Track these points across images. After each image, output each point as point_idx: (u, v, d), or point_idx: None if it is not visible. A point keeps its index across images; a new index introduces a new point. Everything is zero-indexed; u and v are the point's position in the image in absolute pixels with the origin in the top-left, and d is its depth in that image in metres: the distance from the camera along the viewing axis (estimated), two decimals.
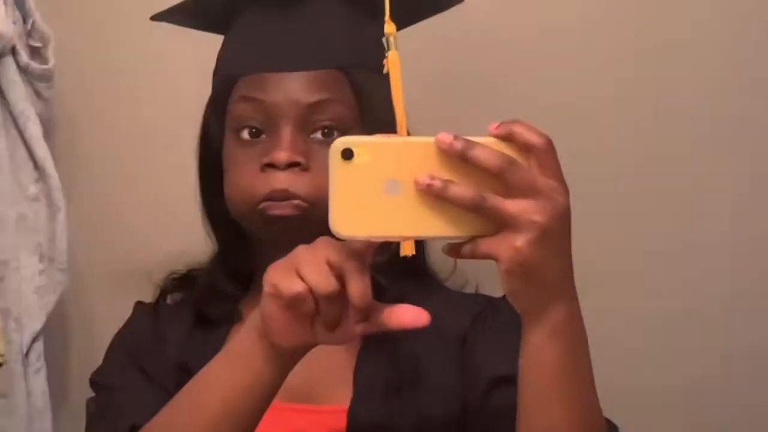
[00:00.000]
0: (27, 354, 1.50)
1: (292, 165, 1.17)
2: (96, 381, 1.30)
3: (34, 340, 1.50)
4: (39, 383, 1.51)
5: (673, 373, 1.75)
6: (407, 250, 0.92)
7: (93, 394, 1.30)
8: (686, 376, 1.75)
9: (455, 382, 1.19)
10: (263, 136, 1.21)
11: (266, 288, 0.91)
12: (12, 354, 1.45)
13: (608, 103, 1.73)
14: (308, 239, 0.97)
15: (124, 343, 1.34)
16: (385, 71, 0.97)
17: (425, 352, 1.20)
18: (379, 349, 1.21)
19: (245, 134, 1.21)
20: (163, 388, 1.20)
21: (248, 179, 1.19)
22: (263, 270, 1.01)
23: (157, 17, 1.34)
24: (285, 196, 1.16)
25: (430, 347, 1.19)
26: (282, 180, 1.16)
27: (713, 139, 1.75)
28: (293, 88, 1.20)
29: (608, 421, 1.04)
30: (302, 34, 1.25)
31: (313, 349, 1.04)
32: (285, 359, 0.97)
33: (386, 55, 0.97)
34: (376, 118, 1.14)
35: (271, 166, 1.17)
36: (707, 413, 1.77)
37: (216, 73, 1.31)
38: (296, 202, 1.16)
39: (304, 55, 1.23)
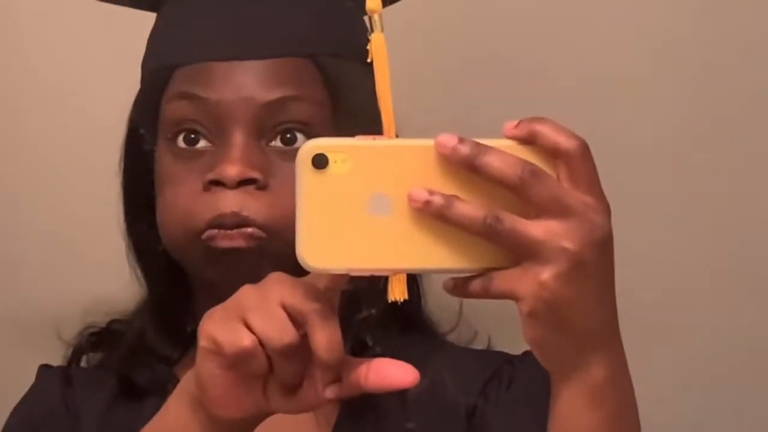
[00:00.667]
0: None
1: (245, 182, 1.03)
2: None
3: None
4: None
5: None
6: (397, 292, 0.76)
7: None
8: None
9: None
10: (207, 144, 1.07)
11: (202, 342, 0.79)
12: None
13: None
14: (254, 272, 0.89)
15: (24, 421, 1.18)
16: (368, 59, 0.81)
17: (422, 429, 1.09)
18: (360, 423, 1.11)
19: (183, 142, 1.08)
20: None
21: (187, 201, 1.05)
22: (202, 315, 0.91)
23: None
24: (236, 222, 1.02)
25: (428, 422, 1.09)
26: (232, 201, 1.03)
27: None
28: (247, 83, 1.08)
29: None
30: (259, 14, 1.12)
31: (273, 424, 0.93)
32: None
33: (369, 38, 0.81)
34: (355, 119, 1.02)
35: (217, 183, 1.03)
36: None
37: (145, 64, 1.16)
38: (250, 230, 1.03)
39: (260, 40, 1.11)
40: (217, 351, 0.78)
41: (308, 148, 0.71)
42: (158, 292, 1.20)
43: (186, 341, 1.14)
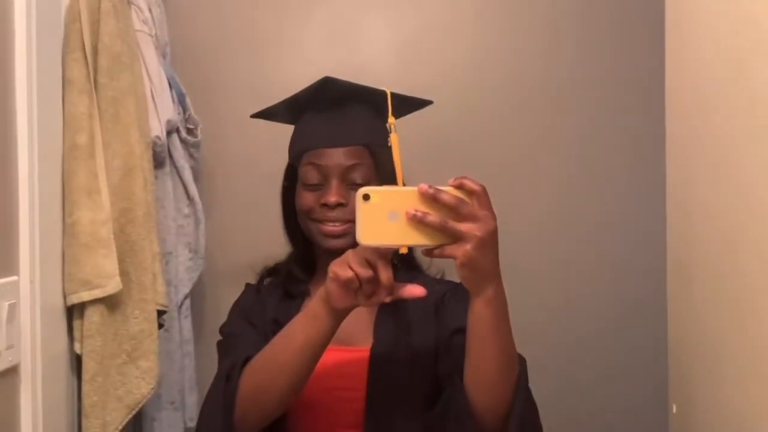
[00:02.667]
0: (180, 306, 1.64)
1: (338, 204, 1.31)
2: (223, 330, 1.39)
3: (185, 298, 1.66)
4: (186, 324, 1.67)
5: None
6: (404, 251, 1.05)
7: (220, 338, 1.38)
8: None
9: (432, 332, 1.30)
10: (320, 185, 1.32)
11: (330, 274, 1.07)
12: (171, 306, 1.58)
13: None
14: (344, 245, 1.23)
15: (239, 308, 1.43)
16: (389, 145, 1.16)
17: (415, 314, 1.32)
18: (389, 312, 1.32)
19: (310, 184, 1.33)
20: (264, 335, 1.29)
21: (313, 207, 1.32)
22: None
23: (254, 116, 1.45)
24: (334, 216, 1.30)
25: (419, 310, 1.32)
26: (332, 213, 1.31)
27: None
28: (338, 157, 1.32)
29: (519, 354, 1.14)
30: (341, 126, 1.35)
31: (352, 313, 1.21)
32: (339, 316, 1.12)
33: (389, 136, 1.17)
34: (385, 174, 1.30)
35: (325, 205, 1.31)
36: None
37: (291, 149, 1.41)
38: (339, 223, 1.30)
39: (344, 137, 1.34)
40: (336, 279, 1.05)
41: (361, 191, 0.98)
42: (297, 249, 1.43)
43: (311, 272, 1.42)
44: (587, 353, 1.88)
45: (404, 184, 1.17)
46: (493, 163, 1.86)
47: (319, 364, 1.21)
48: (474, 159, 1.86)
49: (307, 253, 1.43)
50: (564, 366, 1.87)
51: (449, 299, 1.33)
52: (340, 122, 1.36)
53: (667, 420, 1.42)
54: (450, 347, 1.26)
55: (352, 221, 1.23)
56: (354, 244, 1.09)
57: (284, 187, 1.44)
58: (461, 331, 1.17)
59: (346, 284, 1.06)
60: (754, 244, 1.05)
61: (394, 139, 1.24)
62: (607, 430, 1.87)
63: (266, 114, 1.46)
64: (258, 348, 1.21)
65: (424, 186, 0.96)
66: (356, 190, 1.13)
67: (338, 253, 1.18)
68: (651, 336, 1.80)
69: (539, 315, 1.85)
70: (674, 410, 1.34)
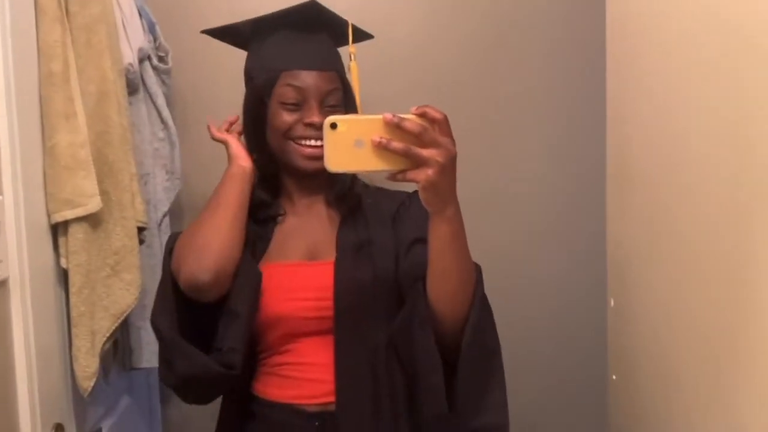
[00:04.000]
0: (160, 224, 1.64)
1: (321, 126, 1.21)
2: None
3: (164, 216, 1.65)
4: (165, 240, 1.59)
5: None
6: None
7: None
8: None
9: (391, 242, 1.29)
10: (298, 106, 1.28)
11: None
12: (151, 223, 1.57)
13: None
14: (320, 167, 1.09)
15: None
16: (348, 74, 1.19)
17: (374, 226, 1.31)
18: (350, 226, 1.32)
19: (288, 104, 1.28)
20: None
21: (292, 125, 1.27)
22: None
23: (205, 32, 1.39)
24: (315, 134, 1.26)
25: (378, 222, 1.32)
26: (316, 133, 1.26)
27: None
28: (316, 80, 1.28)
29: (475, 263, 1.16)
30: (318, 51, 1.32)
31: (311, 228, 1.30)
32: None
33: (350, 64, 1.22)
34: (350, 100, 1.31)
35: (310, 125, 1.27)
36: None
37: (264, 67, 1.31)
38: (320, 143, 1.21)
39: (321, 62, 1.30)
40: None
41: (328, 120, 0.96)
42: (262, 171, 1.34)
43: (276, 196, 1.36)
44: (526, 258, 1.90)
45: (362, 111, 1.20)
46: (442, 91, 1.84)
47: (286, 279, 1.26)
48: (424, 87, 1.84)
49: (272, 176, 1.38)
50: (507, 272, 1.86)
51: (404, 211, 1.33)
52: (318, 47, 1.33)
53: (605, 314, 1.43)
54: (409, 256, 1.25)
55: None
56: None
57: (250, 109, 1.35)
58: (419, 240, 1.20)
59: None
60: (687, 159, 1.06)
61: (354, 68, 1.27)
62: (547, 323, 1.89)
63: (223, 32, 1.39)
64: None
65: (388, 115, 0.95)
66: (331, 113, 1.22)
67: (309, 176, 1.24)
68: (589, 236, 1.80)
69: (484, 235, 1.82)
70: (612, 304, 1.36)
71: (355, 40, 1.35)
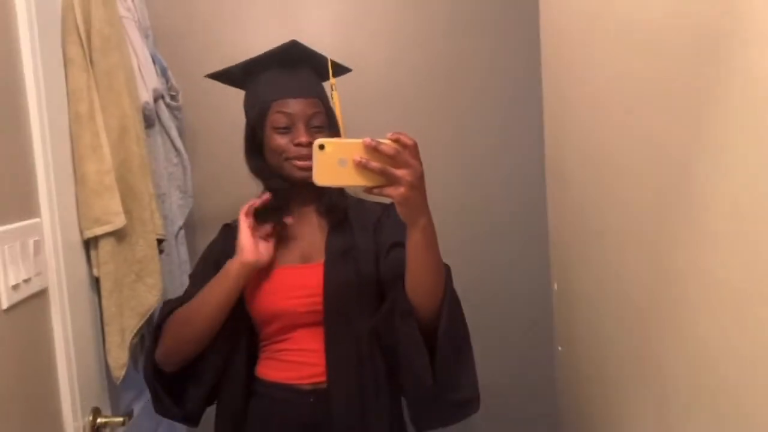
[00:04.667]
0: (176, 236, 1.63)
1: (309, 143, 1.23)
2: (190, 275, 1.36)
3: (179, 230, 1.64)
4: (183, 250, 1.66)
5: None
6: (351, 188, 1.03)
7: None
8: None
9: (372, 246, 1.28)
10: (289, 129, 1.26)
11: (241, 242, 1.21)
12: (168, 236, 1.58)
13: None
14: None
15: (208, 250, 1.37)
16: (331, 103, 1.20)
17: (358, 233, 1.31)
18: (337, 233, 1.30)
19: (280, 128, 1.26)
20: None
21: (285, 147, 1.25)
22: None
23: (209, 76, 1.36)
24: (305, 153, 1.23)
25: (360, 230, 1.31)
26: (304, 151, 1.23)
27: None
28: (302, 106, 1.27)
29: (445, 264, 1.16)
30: (302, 81, 1.30)
31: (304, 235, 1.28)
32: (246, 272, 1.21)
33: (332, 94, 1.21)
34: (332, 122, 1.30)
35: (299, 144, 1.25)
36: None
37: (257, 99, 1.30)
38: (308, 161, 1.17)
39: (307, 90, 1.29)
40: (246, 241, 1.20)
41: (317, 142, 0.97)
42: (272, 182, 1.29)
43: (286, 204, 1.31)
44: (484, 254, 1.89)
45: (345, 134, 1.19)
46: (408, 108, 1.84)
47: (282, 280, 1.27)
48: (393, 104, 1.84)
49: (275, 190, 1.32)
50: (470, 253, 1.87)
51: (384, 220, 1.32)
52: (301, 79, 1.32)
53: (550, 296, 1.43)
54: (388, 258, 1.25)
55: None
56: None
57: (251, 136, 1.33)
58: (397, 244, 1.21)
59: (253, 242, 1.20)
60: (613, 157, 1.06)
61: (335, 96, 1.27)
62: (501, 308, 1.88)
63: (222, 75, 1.37)
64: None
65: (367, 139, 0.96)
66: (317, 133, 1.25)
67: (301, 186, 1.23)
68: (534, 232, 1.80)
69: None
70: (555, 287, 1.37)
71: (336, 74, 1.34)
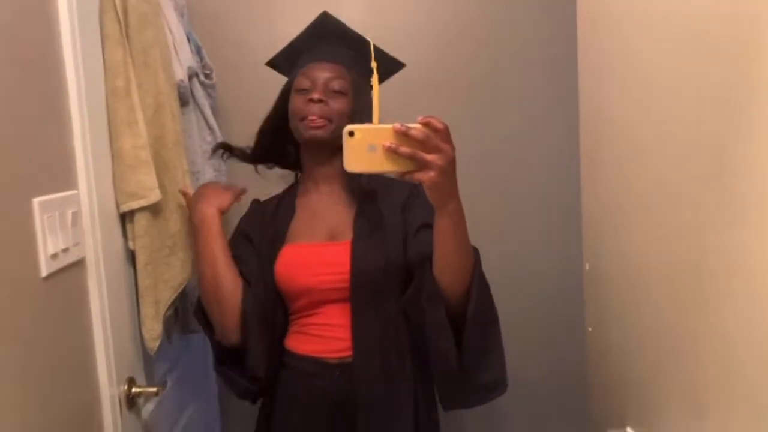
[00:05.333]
0: None
1: (320, 101, 1.26)
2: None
3: None
4: None
5: None
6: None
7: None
8: None
9: (401, 227, 1.28)
10: (309, 90, 1.27)
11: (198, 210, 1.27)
12: None
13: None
14: (321, 135, 1.24)
15: (240, 225, 1.40)
16: (371, 82, 1.17)
17: (386, 212, 1.30)
18: (366, 212, 1.30)
19: (302, 91, 1.28)
20: (259, 244, 1.32)
21: (303, 106, 1.27)
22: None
23: (268, 64, 1.40)
24: (318, 110, 1.25)
25: (389, 209, 1.30)
26: (316, 106, 1.25)
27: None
28: (324, 70, 1.28)
29: (474, 247, 1.17)
30: (324, 48, 1.32)
31: (332, 213, 1.29)
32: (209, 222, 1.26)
33: (371, 77, 1.18)
34: (356, 91, 1.29)
35: (312, 101, 1.26)
36: None
37: (290, 72, 1.35)
38: (321, 120, 1.25)
39: (328, 56, 1.30)
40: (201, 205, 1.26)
41: (347, 129, 0.96)
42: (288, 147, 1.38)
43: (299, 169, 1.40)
44: (515, 236, 1.87)
45: (380, 120, 1.14)
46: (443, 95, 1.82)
47: (311, 257, 1.27)
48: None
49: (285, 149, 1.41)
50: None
51: (413, 200, 1.31)
52: (327, 45, 1.33)
53: (581, 276, 1.41)
54: (416, 239, 1.24)
55: (329, 120, 1.25)
56: (325, 138, 1.23)
57: (282, 97, 1.36)
58: (425, 226, 1.21)
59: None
60: (648, 139, 1.04)
61: (375, 79, 1.22)
62: (532, 289, 1.87)
63: (273, 62, 1.40)
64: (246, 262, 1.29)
65: (397, 124, 0.94)
66: (335, 96, 1.27)
67: (315, 145, 1.25)
68: (566, 211, 1.77)
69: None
70: (587, 267, 1.35)
71: (387, 67, 1.33)
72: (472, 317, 1.13)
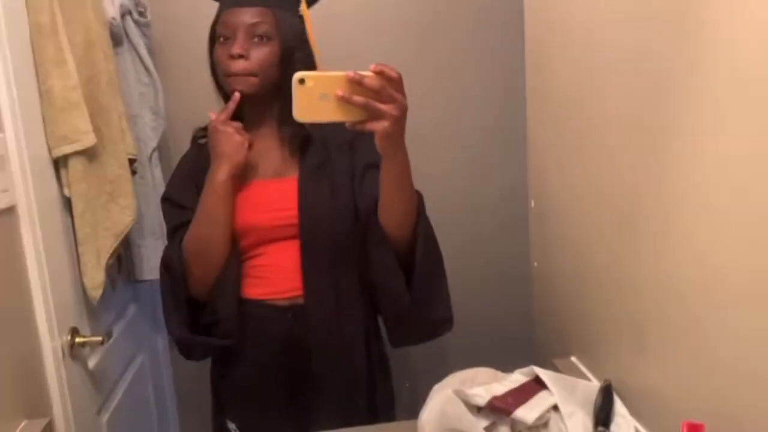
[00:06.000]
0: (150, 158, 1.57)
1: (240, 56, 1.18)
2: (167, 194, 1.31)
3: (153, 151, 1.58)
4: (157, 172, 1.60)
5: None
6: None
7: (163, 198, 1.32)
8: None
9: (348, 162, 1.25)
10: (229, 40, 1.20)
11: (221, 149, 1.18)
12: (142, 158, 1.53)
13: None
14: (244, 85, 1.17)
15: (181, 171, 1.33)
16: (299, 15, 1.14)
17: (333, 149, 1.26)
18: (311, 148, 1.26)
19: (222, 40, 1.21)
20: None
21: (224, 60, 1.20)
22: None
23: None
24: (240, 71, 1.18)
25: (336, 146, 1.26)
26: (237, 61, 1.18)
27: None
28: (245, 15, 1.19)
29: (418, 191, 1.16)
30: None
31: (279, 149, 1.25)
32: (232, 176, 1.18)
33: (300, 6, 1.16)
34: (284, 33, 1.21)
35: (232, 56, 1.18)
36: None
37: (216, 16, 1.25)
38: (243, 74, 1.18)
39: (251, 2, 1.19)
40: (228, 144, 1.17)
41: (297, 75, 0.92)
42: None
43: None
44: (461, 177, 1.85)
45: (320, 64, 1.14)
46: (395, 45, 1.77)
47: (257, 194, 1.23)
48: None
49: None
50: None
51: (359, 139, 1.24)
52: None
53: (527, 214, 1.43)
54: (364, 179, 1.23)
55: (253, 74, 1.19)
56: (252, 92, 1.17)
57: (209, 51, 1.27)
58: (371, 165, 1.19)
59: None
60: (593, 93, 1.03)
61: (304, 10, 1.19)
62: (478, 227, 1.87)
63: None
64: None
65: (351, 72, 0.91)
66: (259, 45, 1.19)
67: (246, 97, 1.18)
68: (511, 154, 1.76)
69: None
70: (533, 204, 1.37)
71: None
72: (420, 259, 1.14)
